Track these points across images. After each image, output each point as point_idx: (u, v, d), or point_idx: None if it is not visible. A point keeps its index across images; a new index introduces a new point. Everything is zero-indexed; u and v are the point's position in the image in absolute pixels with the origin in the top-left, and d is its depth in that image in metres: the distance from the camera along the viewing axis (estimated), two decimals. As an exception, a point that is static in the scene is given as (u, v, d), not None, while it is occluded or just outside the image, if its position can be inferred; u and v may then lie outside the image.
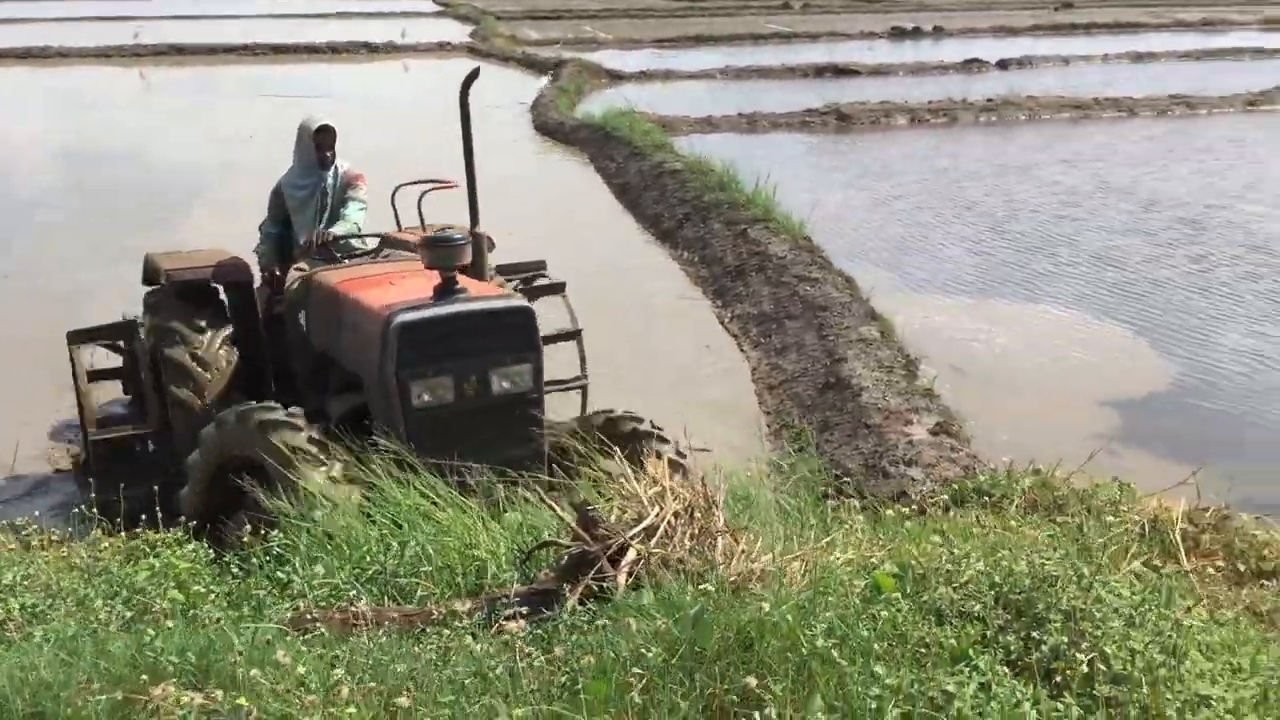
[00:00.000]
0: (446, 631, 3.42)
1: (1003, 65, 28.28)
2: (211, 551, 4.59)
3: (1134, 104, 21.80)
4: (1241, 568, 5.47)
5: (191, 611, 3.88)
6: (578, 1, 48.28)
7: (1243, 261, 12.54)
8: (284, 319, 6.59)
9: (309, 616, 3.73)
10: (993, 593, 3.19)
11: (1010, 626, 3.07)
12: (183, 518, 5.24)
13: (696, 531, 3.70)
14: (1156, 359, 9.96)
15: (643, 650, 2.66)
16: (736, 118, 20.79)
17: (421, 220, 7.00)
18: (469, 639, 3.14)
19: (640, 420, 6.05)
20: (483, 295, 5.64)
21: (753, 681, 2.52)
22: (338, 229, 6.71)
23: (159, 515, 4.88)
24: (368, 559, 4.45)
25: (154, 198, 15.16)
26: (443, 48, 33.19)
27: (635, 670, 2.59)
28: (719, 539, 3.68)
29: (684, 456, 5.85)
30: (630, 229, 14.59)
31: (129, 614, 3.83)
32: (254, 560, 4.50)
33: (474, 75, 6.13)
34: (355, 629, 3.49)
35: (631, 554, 3.62)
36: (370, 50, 32.51)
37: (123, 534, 4.91)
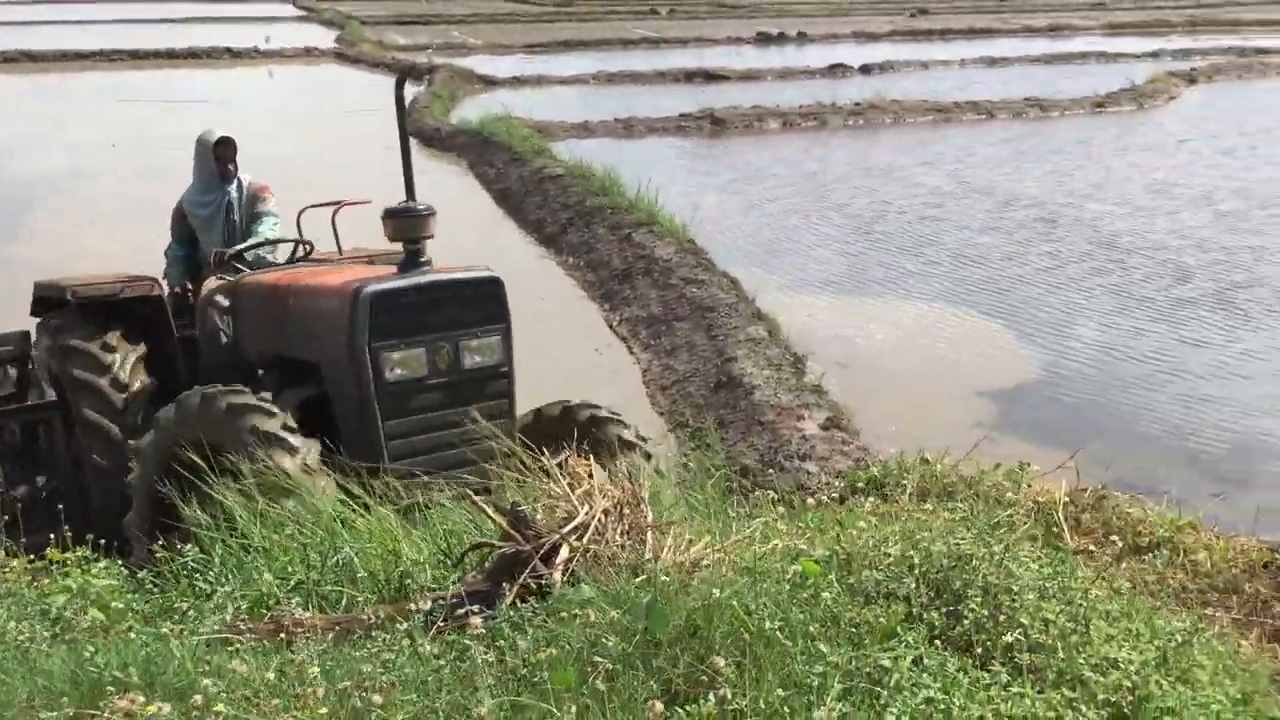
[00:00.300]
0: (385, 636, 3.46)
1: (865, 70, 29.09)
2: (125, 569, 4.51)
3: (992, 107, 22.70)
4: (1120, 544, 5.81)
5: (114, 629, 3.83)
6: (444, 7, 48.03)
7: (1091, 258, 13.20)
8: (198, 336, 6.38)
9: (242, 627, 3.72)
10: (914, 573, 3.37)
11: (933, 604, 3.26)
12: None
13: (627, 528, 3.81)
14: (1023, 351, 10.44)
15: (602, 639, 2.77)
16: (613, 123, 20.98)
17: (337, 241, 6.79)
18: (418, 640, 3.19)
19: (597, 407, 6.02)
20: (449, 268, 5.55)
21: (720, 660, 2.64)
22: (249, 248, 6.51)
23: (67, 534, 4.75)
24: (289, 569, 4.44)
25: (6, 209, 14.57)
26: (309, 53, 32.67)
27: (596, 658, 2.69)
28: (649, 534, 3.80)
29: (645, 440, 5.91)
30: (513, 235, 14.64)
31: (48, 634, 3.76)
32: (171, 574, 4.44)
33: (404, 76, 6.22)
34: (291, 637, 3.50)
35: (565, 552, 3.71)
36: (233, 55, 31.78)
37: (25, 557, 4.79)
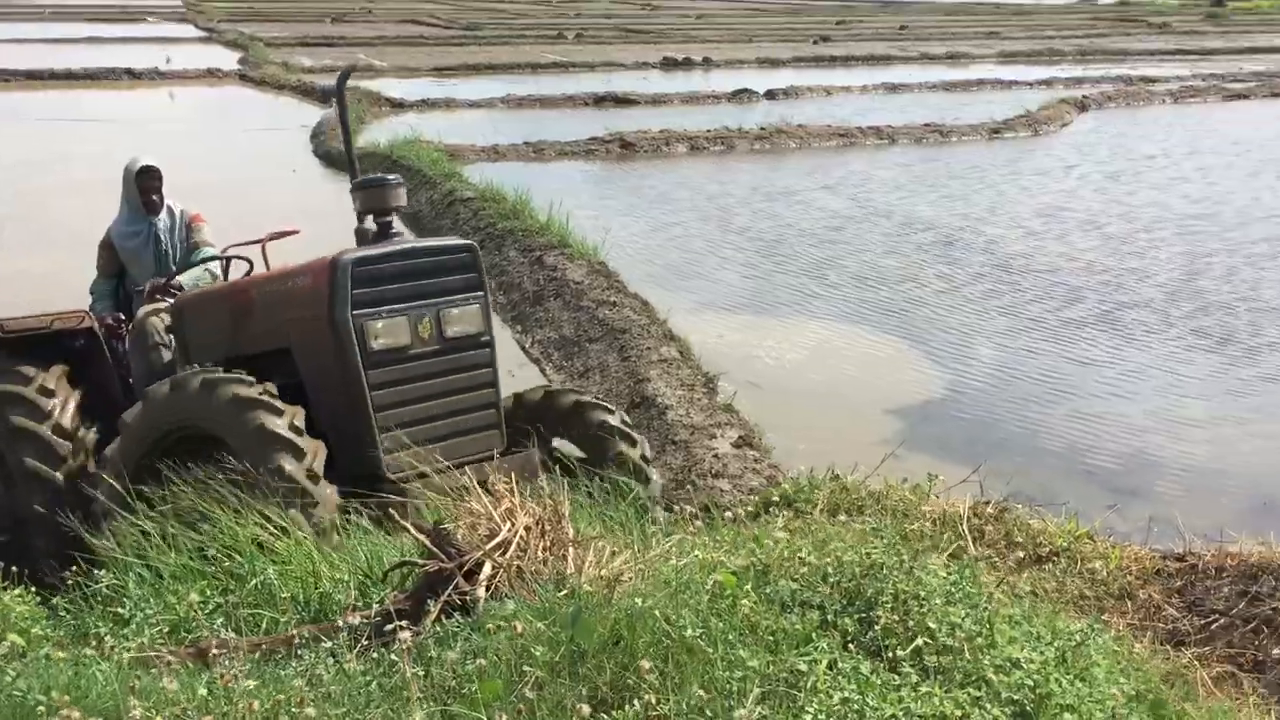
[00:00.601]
0: (311, 655, 3.49)
1: (771, 95, 29.57)
2: (38, 594, 4.46)
3: (894, 132, 23.25)
4: (1021, 554, 6.05)
5: (31, 653, 3.79)
6: (350, 29, 47.69)
7: (985, 279, 13.63)
8: (130, 364, 6.16)
9: (163, 650, 3.72)
10: (828, 582, 3.51)
11: (846, 611, 3.39)
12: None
13: (549, 544, 3.89)
14: (926, 370, 10.74)
15: (530, 649, 2.84)
16: (523, 146, 21.06)
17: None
18: (345, 656, 3.23)
19: (580, 392, 6.00)
20: (423, 237, 5.64)
21: (646, 665, 2.73)
22: (187, 277, 6.36)
23: None
24: (208, 591, 4.43)
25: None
26: (212, 74, 32.15)
27: (525, 668, 2.77)
28: (570, 549, 3.88)
29: (631, 427, 5.89)
30: (423, 258, 14.58)
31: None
32: (85, 599, 4.41)
33: (348, 72, 6.20)
34: (214, 660, 3.51)
35: (488, 568, 3.78)
36: (133, 76, 31.16)
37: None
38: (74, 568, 4.66)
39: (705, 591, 3.36)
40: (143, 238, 6.56)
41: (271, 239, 6.44)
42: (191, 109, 27.49)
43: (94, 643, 3.99)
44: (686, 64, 37.43)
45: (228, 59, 36.45)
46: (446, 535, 3.91)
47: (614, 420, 5.91)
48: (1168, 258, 14.61)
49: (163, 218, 6.61)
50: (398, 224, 5.75)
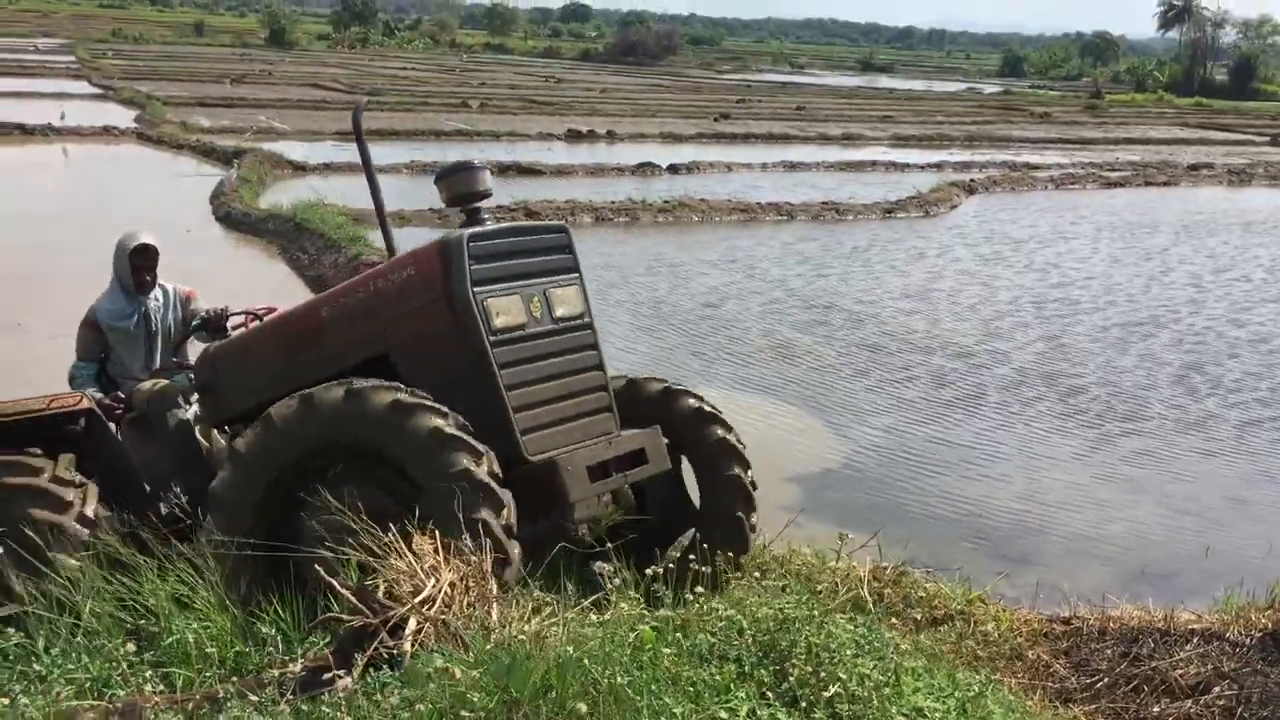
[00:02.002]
0: (235, 711, 3.52)
1: (673, 169, 30.18)
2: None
3: (793, 209, 23.93)
4: (919, 615, 6.30)
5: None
6: (250, 90, 47.43)
7: (882, 350, 14.12)
8: (134, 443, 5.88)
9: (81, 707, 3.71)
10: (744, 636, 3.68)
11: (762, 663, 3.56)
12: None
13: (474, 599, 3.99)
14: (826, 439, 11.07)
15: (467, 696, 2.95)
16: (428, 212, 21.15)
17: None
18: (272, 711, 3.28)
19: (665, 381, 5.88)
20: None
21: (583, 707, 2.86)
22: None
23: None
24: (124, 648, 4.42)
25: None
26: (108, 131, 31.65)
27: (463, 713, 2.87)
28: (494, 605, 3.99)
29: (743, 445, 5.83)
30: (328, 321, 14.53)
31: None
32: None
33: (362, 106, 6.16)
34: (143, 717, 3.52)
35: (413, 623, 3.86)
36: (25, 132, 30.52)
37: None
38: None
39: (629, 645, 3.49)
40: (134, 320, 6.27)
41: (252, 315, 6.28)
42: (86, 166, 27.01)
43: (7, 700, 3.97)
44: (591, 136, 38.00)
45: (124, 117, 35.95)
46: (370, 591, 3.99)
47: (706, 406, 5.84)
48: (1031, 339, 15.27)
49: (154, 296, 6.34)
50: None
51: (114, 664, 4.35)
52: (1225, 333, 16.12)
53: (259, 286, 16.03)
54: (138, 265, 6.26)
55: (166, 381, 6.10)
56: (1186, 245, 23.56)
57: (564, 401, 5.23)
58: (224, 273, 16.34)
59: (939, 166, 34.03)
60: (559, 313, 5.30)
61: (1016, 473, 10.39)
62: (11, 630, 4.56)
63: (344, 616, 3.92)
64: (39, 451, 5.51)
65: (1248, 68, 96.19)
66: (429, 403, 4.68)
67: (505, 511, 4.52)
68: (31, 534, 5.03)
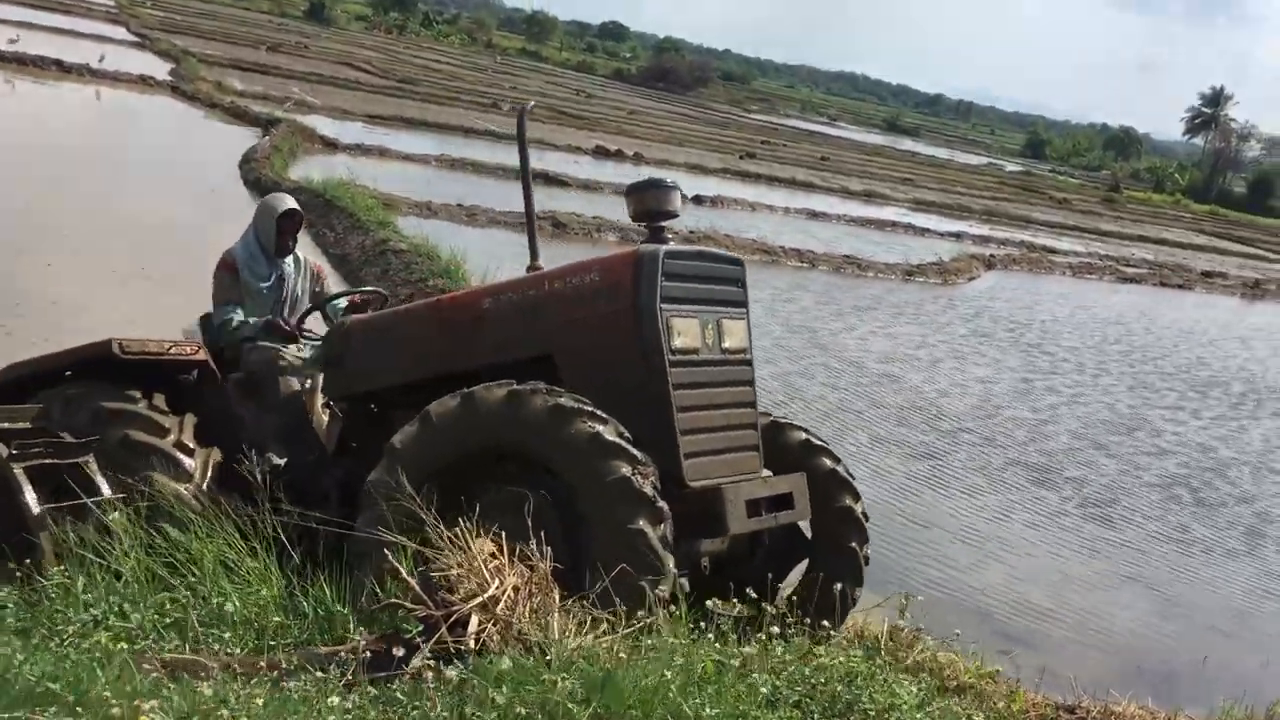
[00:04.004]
0: (294, 683, 3.49)
1: (699, 200, 30.25)
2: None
3: (815, 257, 24.02)
4: (937, 682, 6.26)
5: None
6: (285, 60, 47.47)
7: (897, 415, 14.16)
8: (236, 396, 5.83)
9: (159, 657, 3.68)
10: (806, 682, 3.66)
11: (828, 713, 3.55)
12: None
13: (535, 606, 3.96)
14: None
15: (566, 704, 2.93)
16: (455, 207, 21.17)
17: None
18: (335, 689, 3.25)
19: (808, 430, 5.82)
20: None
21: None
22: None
23: None
24: (168, 604, 4.38)
25: None
26: (144, 81, 31.62)
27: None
28: (554, 616, 3.96)
29: (853, 477, 5.78)
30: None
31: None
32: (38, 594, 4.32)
33: (527, 110, 6.29)
34: (201, 673, 3.49)
35: (474, 623, 3.83)
36: (62, 69, 30.46)
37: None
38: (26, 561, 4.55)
39: (696, 676, 3.47)
40: (271, 280, 6.23)
41: (359, 294, 6.38)
42: (121, 113, 26.98)
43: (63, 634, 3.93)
44: (618, 155, 38.09)
45: (159, 68, 35.94)
46: (433, 584, 3.97)
47: (815, 439, 5.81)
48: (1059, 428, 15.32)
49: (288, 262, 6.33)
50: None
51: (153, 616, 4.32)
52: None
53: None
54: (284, 228, 6.23)
55: (280, 347, 6.05)
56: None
57: (722, 432, 5.20)
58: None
59: (958, 236, 34.19)
60: (726, 344, 5.27)
61: (1014, 563, 10.37)
62: (55, 570, 4.51)
63: (408, 605, 3.89)
64: (164, 405, 5.50)
65: (1267, 184, 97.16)
66: (590, 408, 4.64)
67: (664, 525, 4.46)
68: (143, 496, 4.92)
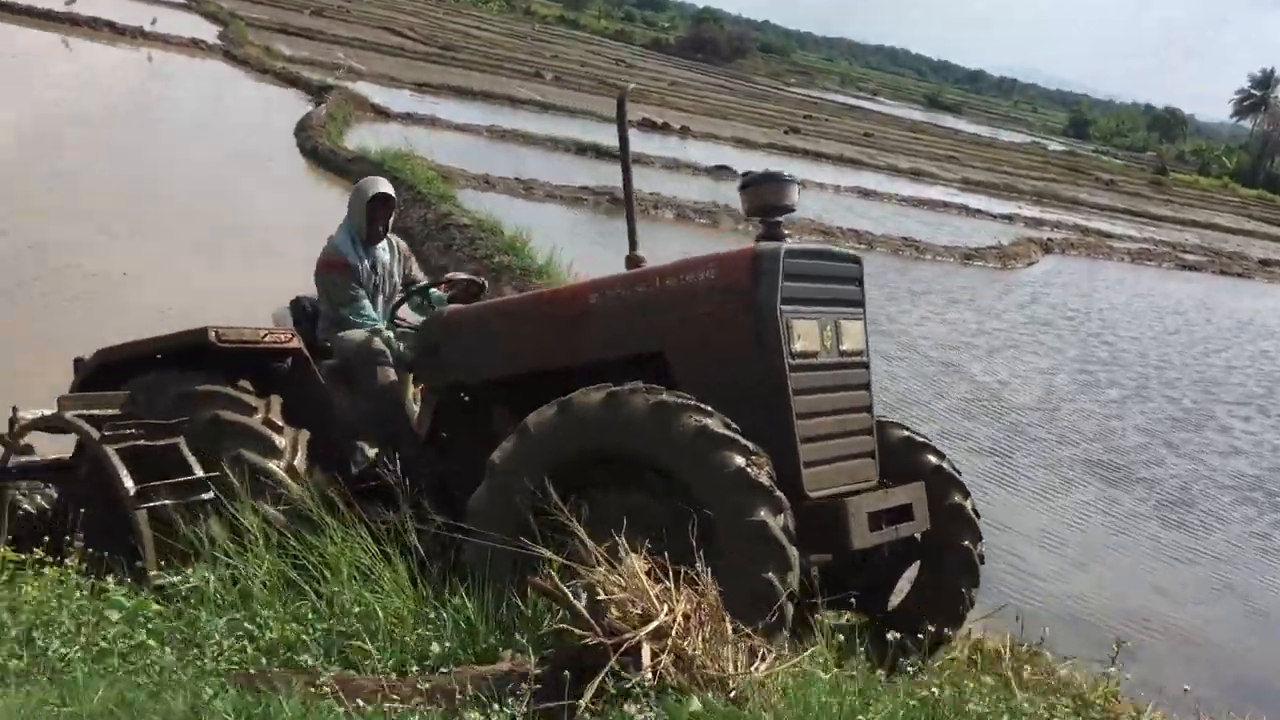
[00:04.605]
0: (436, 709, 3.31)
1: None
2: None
3: (873, 239, 23.67)
4: (1064, 704, 6.04)
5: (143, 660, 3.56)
6: (328, 25, 47.24)
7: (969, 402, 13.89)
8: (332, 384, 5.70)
9: (266, 675, 3.51)
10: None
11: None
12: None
13: (708, 635, 3.75)
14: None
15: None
16: (513, 180, 20.94)
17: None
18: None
19: (910, 428, 5.59)
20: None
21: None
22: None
23: None
24: (310, 614, 4.22)
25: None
26: (196, 45, 31.49)
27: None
28: (728, 647, 3.75)
29: (959, 473, 5.56)
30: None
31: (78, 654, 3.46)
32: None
33: (627, 93, 5.92)
34: (323, 695, 3.31)
35: (647, 655, 3.62)
36: (115, 31, 30.34)
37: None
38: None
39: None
40: (365, 265, 6.07)
41: (457, 282, 6.24)
42: (174, 77, 26.82)
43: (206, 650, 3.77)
44: (665, 129, 37.70)
45: (209, 31, 35.82)
46: (601, 608, 3.76)
47: (917, 436, 5.60)
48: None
49: (382, 247, 6.15)
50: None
51: (294, 627, 4.15)
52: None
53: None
54: (374, 214, 6.03)
55: (375, 335, 5.87)
56: None
57: (840, 439, 4.99)
58: (312, 212, 15.97)
59: (1010, 218, 33.68)
60: (844, 346, 5.04)
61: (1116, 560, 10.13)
62: (192, 570, 4.36)
63: (575, 629, 3.68)
64: (249, 386, 5.40)
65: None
66: (694, 403, 4.46)
67: (784, 515, 4.28)
68: (234, 475, 4.82)
